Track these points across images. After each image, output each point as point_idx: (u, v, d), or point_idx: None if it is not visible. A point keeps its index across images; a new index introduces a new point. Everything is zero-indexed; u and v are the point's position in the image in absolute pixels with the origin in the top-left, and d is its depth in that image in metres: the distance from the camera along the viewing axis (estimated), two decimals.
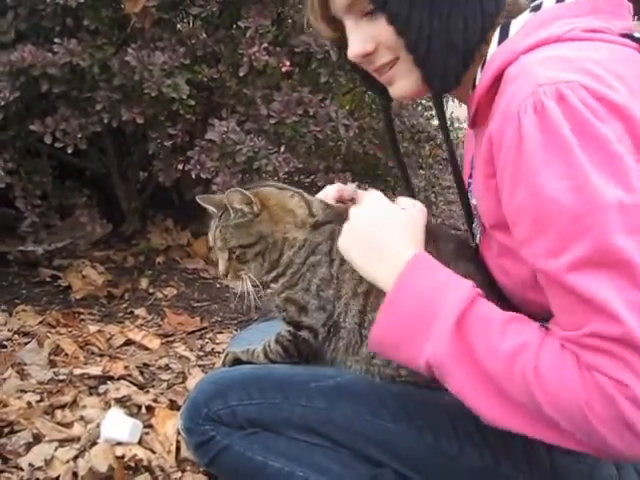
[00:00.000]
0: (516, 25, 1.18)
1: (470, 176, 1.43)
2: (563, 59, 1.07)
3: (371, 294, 1.35)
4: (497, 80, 1.14)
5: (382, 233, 1.26)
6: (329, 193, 1.55)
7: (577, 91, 1.02)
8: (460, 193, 1.41)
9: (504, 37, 1.18)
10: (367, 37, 1.22)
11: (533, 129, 1.03)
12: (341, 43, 1.29)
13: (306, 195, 1.50)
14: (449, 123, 4.03)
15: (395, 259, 1.21)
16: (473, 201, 1.33)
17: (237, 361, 1.54)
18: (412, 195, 1.51)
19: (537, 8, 1.19)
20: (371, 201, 1.32)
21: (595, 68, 1.04)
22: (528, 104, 1.04)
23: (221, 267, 1.47)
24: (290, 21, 3.20)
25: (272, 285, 1.46)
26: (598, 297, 1.00)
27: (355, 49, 1.24)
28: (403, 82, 1.26)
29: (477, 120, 1.23)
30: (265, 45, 2.71)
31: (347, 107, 3.66)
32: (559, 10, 1.17)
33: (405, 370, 1.35)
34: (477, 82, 1.20)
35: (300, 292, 1.43)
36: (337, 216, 1.43)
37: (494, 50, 1.18)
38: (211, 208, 1.50)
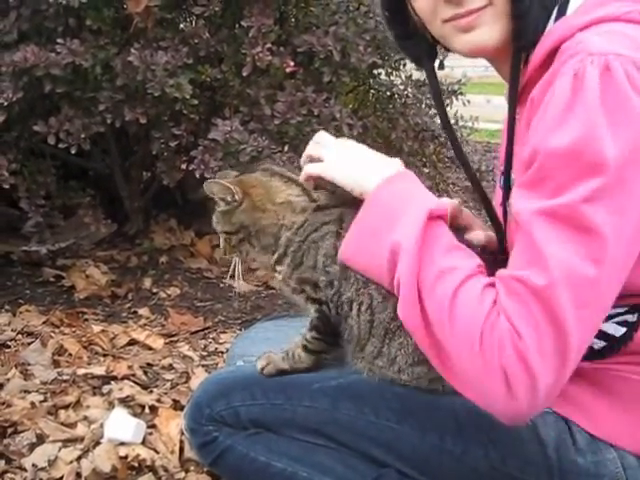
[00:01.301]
0: (574, 3, 1.18)
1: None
2: (621, 34, 1.09)
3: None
4: (551, 55, 1.14)
5: (360, 153, 1.38)
6: None
7: (627, 65, 1.03)
8: (474, 184, 1.44)
9: (561, 14, 1.18)
10: None
11: (565, 90, 1.05)
12: None
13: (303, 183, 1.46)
14: (454, 121, 4.01)
15: (381, 172, 1.31)
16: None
17: (281, 372, 1.47)
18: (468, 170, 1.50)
19: None
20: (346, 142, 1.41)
21: None
22: (571, 68, 1.05)
23: (221, 248, 1.52)
24: (293, 20, 3.20)
25: (278, 268, 1.44)
26: (544, 248, 1.04)
27: None
28: (486, 30, 1.20)
29: (524, 95, 1.21)
30: (268, 45, 2.70)
31: (351, 106, 3.65)
32: None
33: (406, 375, 1.34)
34: (531, 57, 1.19)
35: (308, 270, 1.40)
36: (344, 201, 1.40)
37: (550, 26, 1.18)
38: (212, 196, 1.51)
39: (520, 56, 1.25)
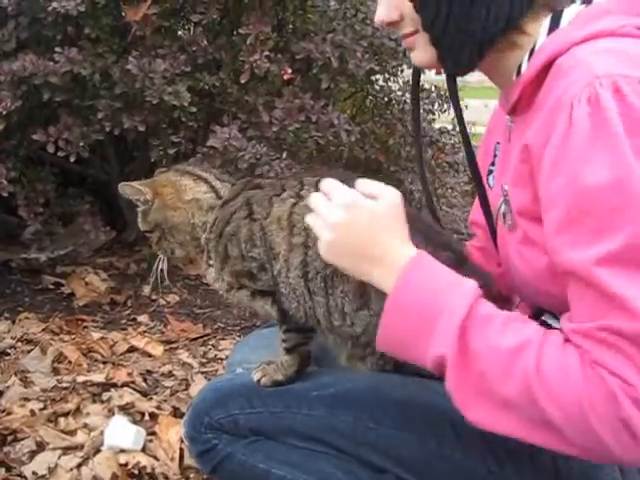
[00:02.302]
0: (568, 16, 1.18)
1: (492, 163, 1.44)
2: (620, 53, 1.08)
3: (310, 247, 1.34)
4: (544, 70, 1.14)
5: (366, 236, 1.22)
6: None
7: (635, 86, 1.02)
8: (475, 175, 1.40)
9: (554, 27, 1.19)
10: (393, 5, 1.25)
11: (584, 119, 1.03)
12: None
13: (215, 180, 1.51)
14: (451, 127, 4.02)
15: (387, 260, 1.19)
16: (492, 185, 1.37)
17: (277, 383, 1.48)
18: (424, 182, 1.51)
19: (589, 1, 1.19)
20: (344, 202, 1.24)
21: None
22: (583, 95, 1.04)
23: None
24: (291, 27, 3.21)
25: (210, 263, 1.48)
26: (622, 293, 0.99)
27: (380, 15, 1.27)
28: (420, 53, 1.27)
29: (518, 108, 1.23)
30: (266, 52, 2.71)
31: (348, 112, 3.66)
32: (611, 5, 1.17)
33: (359, 327, 1.35)
34: (523, 70, 1.20)
35: (237, 261, 1.42)
36: (245, 184, 1.47)
37: (543, 40, 1.18)
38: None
39: (452, 81, 1.33)
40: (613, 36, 1.12)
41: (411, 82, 1.49)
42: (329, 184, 1.27)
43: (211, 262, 1.47)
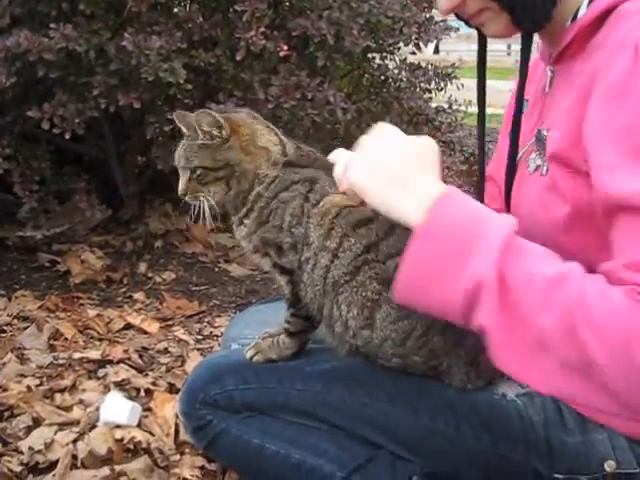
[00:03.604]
0: None
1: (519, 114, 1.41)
2: None
3: (338, 257, 1.32)
4: (605, 14, 1.15)
5: (402, 163, 1.17)
6: None
7: None
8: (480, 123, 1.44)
9: None
10: None
11: (626, 63, 1.04)
12: None
13: (280, 134, 1.44)
14: (448, 106, 4.01)
15: (421, 192, 1.13)
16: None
17: (269, 361, 1.47)
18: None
19: None
20: (382, 130, 1.23)
21: None
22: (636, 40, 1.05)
23: (181, 186, 1.42)
24: (287, 4, 3.19)
25: (245, 221, 1.40)
26: None
27: (444, 5, 1.28)
28: (493, 25, 1.29)
29: (568, 53, 1.24)
30: (262, 29, 2.70)
31: (345, 90, 3.65)
32: None
33: (360, 340, 1.34)
34: (581, 14, 1.20)
35: (273, 230, 1.37)
36: (315, 162, 1.41)
37: None
38: (182, 127, 1.43)
39: (529, 40, 1.31)
40: None
41: (477, 53, 1.45)
42: None
43: (247, 220, 1.40)
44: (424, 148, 1.20)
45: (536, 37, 1.35)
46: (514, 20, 1.25)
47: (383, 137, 1.21)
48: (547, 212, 1.23)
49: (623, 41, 1.08)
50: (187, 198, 1.43)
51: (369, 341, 1.34)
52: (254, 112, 1.49)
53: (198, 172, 1.40)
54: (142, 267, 3.00)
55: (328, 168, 1.31)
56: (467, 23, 1.35)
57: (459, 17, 1.34)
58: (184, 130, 1.43)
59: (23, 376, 2.06)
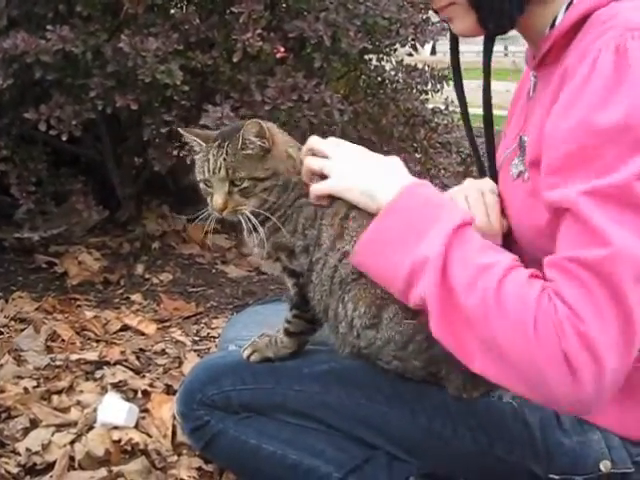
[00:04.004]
0: None
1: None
2: None
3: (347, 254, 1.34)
4: (580, 22, 1.16)
5: (371, 160, 1.34)
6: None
7: None
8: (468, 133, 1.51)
9: None
10: None
11: (607, 65, 1.05)
12: None
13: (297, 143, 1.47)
14: (444, 107, 4.01)
15: (400, 178, 1.28)
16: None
17: (266, 360, 1.49)
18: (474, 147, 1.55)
19: None
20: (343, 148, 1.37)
21: None
22: (612, 43, 1.06)
23: (219, 200, 1.34)
24: (283, 6, 3.19)
25: (259, 229, 1.37)
26: (602, 228, 1.01)
27: None
28: (460, 22, 1.29)
29: (547, 60, 1.25)
30: (259, 31, 2.70)
31: (341, 91, 3.65)
32: None
33: (364, 341, 1.36)
34: (557, 22, 1.21)
35: (286, 235, 1.38)
36: None
37: None
38: (196, 139, 1.40)
39: (491, 42, 1.35)
40: None
41: (450, 50, 1.48)
42: None
43: (261, 228, 1.37)
44: (392, 160, 1.34)
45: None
46: (479, 19, 1.26)
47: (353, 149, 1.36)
48: (531, 218, 1.24)
49: (585, 50, 1.09)
50: (225, 214, 1.36)
51: (372, 342, 1.34)
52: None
53: (245, 184, 1.35)
54: (139, 268, 3.00)
55: None
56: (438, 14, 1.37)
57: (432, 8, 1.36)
58: (199, 142, 1.40)
59: (20, 378, 2.06)
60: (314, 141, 1.37)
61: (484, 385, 1.31)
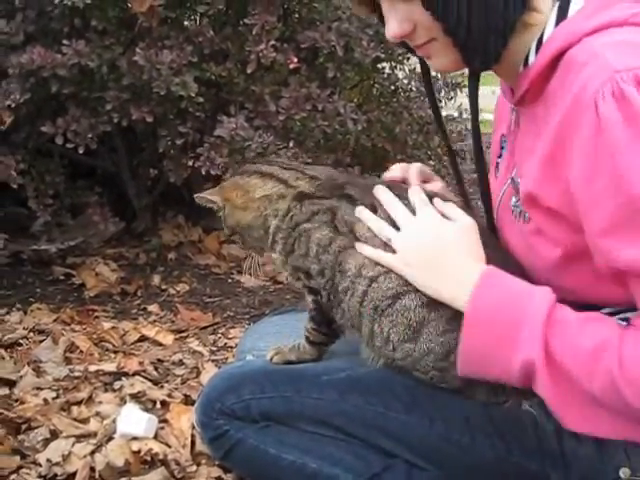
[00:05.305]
0: (575, 5, 1.18)
1: (500, 155, 1.44)
2: (633, 45, 1.08)
3: (377, 281, 1.36)
4: (554, 61, 1.14)
5: (438, 251, 1.29)
6: (394, 174, 1.55)
7: None
8: (480, 171, 1.42)
9: (562, 16, 1.18)
10: (404, 18, 1.23)
11: (613, 113, 1.04)
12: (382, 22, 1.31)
13: (281, 171, 1.52)
14: (457, 114, 4.02)
15: (458, 276, 1.25)
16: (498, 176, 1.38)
17: (288, 362, 1.54)
18: (456, 169, 1.54)
19: None
20: (420, 218, 1.33)
21: None
22: (606, 90, 1.04)
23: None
24: (296, 16, 3.21)
25: (273, 255, 1.52)
26: None
27: (392, 30, 1.25)
28: (440, 59, 1.27)
29: (526, 99, 1.23)
30: (272, 42, 2.72)
31: (355, 101, 3.66)
32: None
33: (399, 352, 1.36)
34: (531, 60, 1.20)
35: (300, 258, 1.45)
36: (333, 189, 1.46)
37: (551, 29, 1.18)
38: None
39: (475, 80, 1.32)
40: (624, 26, 1.11)
41: (423, 81, 1.48)
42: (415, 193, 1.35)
43: (275, 253, 1.51)
44: (462, 229, 1.31)
45: None
46: (464, 58, 1.23)
47: (421, 224, 1.32)
48: (538, 256, 1.24)
49: (580, 98, 1.07)
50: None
51: (410, 354, 1.35)
52: (252, 165, 1.62)
53: (235, 236, 1.58)
54: (156, 279, 3.01)
55: (350, 198, 1.41)
56: (413, 52, 1.35)
57: (405, 46, 1.34)
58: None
59: (40, 389, 2.07)
60: (386, 198, 1.39)
61: (512, 392, 1.31)
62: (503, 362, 1.19)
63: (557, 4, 1.20)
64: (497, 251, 1.36)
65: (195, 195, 1.56)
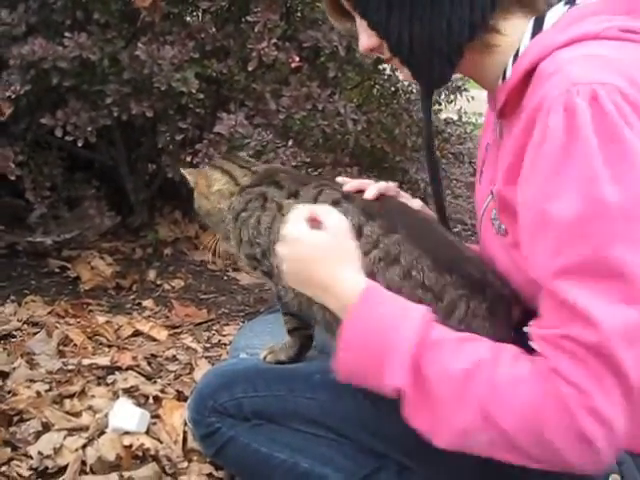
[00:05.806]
0: (550, 18, 1.18)
1: (483, 163, 1.45)
2: (601, 59, 1.07)
3: None
4: (528, 74, 1.14)
5: (314, 267, 1.27)
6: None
7: (612, 94, 1.01)
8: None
9: (538, 30, 1.18)
10: (369, 34, 1.26)
11: (558, 126, 1.03)
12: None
13: (237, 169, 1.60)
14: (457, 117, 4.03)
15: (337, 292, 1.24)
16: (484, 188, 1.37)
17: (279, 362, 1.54)
18: (435, 176, 1.52)
19: (572, 1, 1.19)
20: (288, 237, 1.31)
21: (633, 72, 1.04)
22: (560, 101, 1.03)
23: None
24: (299, 15, 3.21)
25: (230, 249, 1.60)
26: (581, 304, 1.00)
27: (361, 44, 1.29)
28: (404, 72, 1.30)
29: (505, 112, 1.24)
30: (274, 40, 2.72)
31: (355, 101, 3.67)
32: (595, 6, 1.17)
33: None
34: (508, 74, 1.20)
35: (247, 246, 1.51)
36: (264, 178, 1.54)
37: (527, 43, 1.18)
38: None
39: (427, 97, 1.38)
40: (597, 39, 1.11)
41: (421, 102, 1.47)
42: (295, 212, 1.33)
43: (232, 242, 1.56)
44: (336, 236, 1.28)
45: None
46: (412, 76, 1.28)
47: (291, 244, 1.30)
48: (520, 269, 1.24)
49: (539, 105, 1.07)
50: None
51: None
52: (224, 160, 1.69)
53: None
54: (151, 274, 3.01)
55: (277, 184, 1.49)
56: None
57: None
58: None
59: (32, 381, 2.07)
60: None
61: None
62: (377, 387, 1.17)
63: (533, 18, 1.21)
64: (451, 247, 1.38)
65: (181, 168, 1.68)
